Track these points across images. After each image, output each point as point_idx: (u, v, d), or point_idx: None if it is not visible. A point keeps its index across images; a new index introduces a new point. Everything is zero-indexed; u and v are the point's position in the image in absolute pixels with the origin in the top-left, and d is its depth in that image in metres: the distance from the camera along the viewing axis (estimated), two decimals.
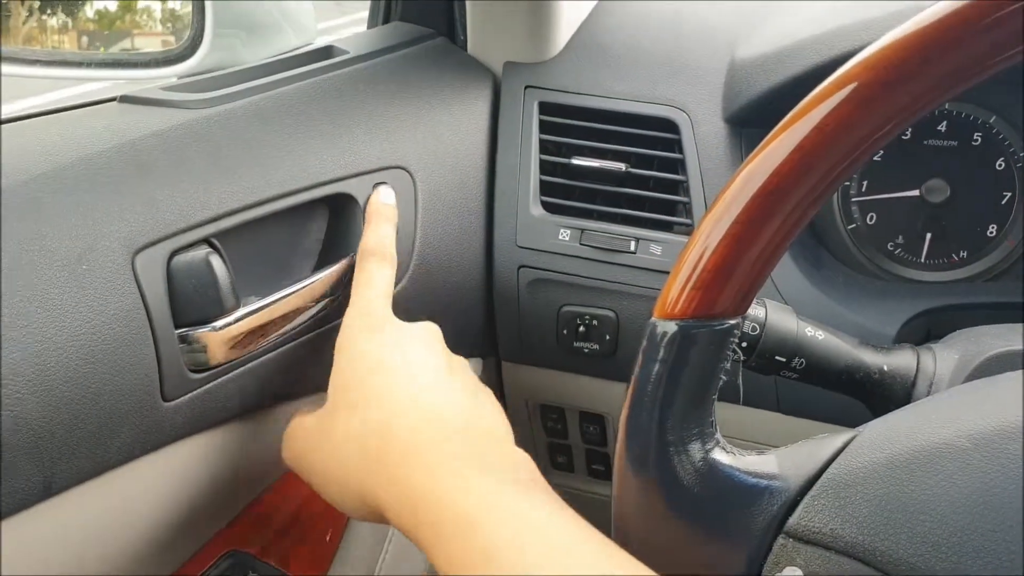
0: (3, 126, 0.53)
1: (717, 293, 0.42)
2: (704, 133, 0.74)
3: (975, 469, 0.39)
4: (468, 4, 0.80)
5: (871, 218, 0.76)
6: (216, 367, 0.53)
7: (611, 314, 0.75)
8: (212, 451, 0.58)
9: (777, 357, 0.53)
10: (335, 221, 0.64)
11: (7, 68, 0.72)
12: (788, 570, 0.41)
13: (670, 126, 0.75)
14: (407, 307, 0.66)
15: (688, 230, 0.74)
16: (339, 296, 0.61)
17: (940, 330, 0.59)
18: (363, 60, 0.72)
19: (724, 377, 0.44)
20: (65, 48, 0.79)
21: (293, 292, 0.57)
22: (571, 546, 0.41)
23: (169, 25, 0.84)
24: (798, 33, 0.71)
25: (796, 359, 0.53)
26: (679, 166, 0.74)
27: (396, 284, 0.65)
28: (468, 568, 0.42)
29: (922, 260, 0.76)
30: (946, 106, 0.74)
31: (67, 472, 0.46)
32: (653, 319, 0.44)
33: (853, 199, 0.76)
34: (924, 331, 0.71)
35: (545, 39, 0.79)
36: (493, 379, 0.84)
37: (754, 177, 0.41)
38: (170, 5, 0.80)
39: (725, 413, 0.46)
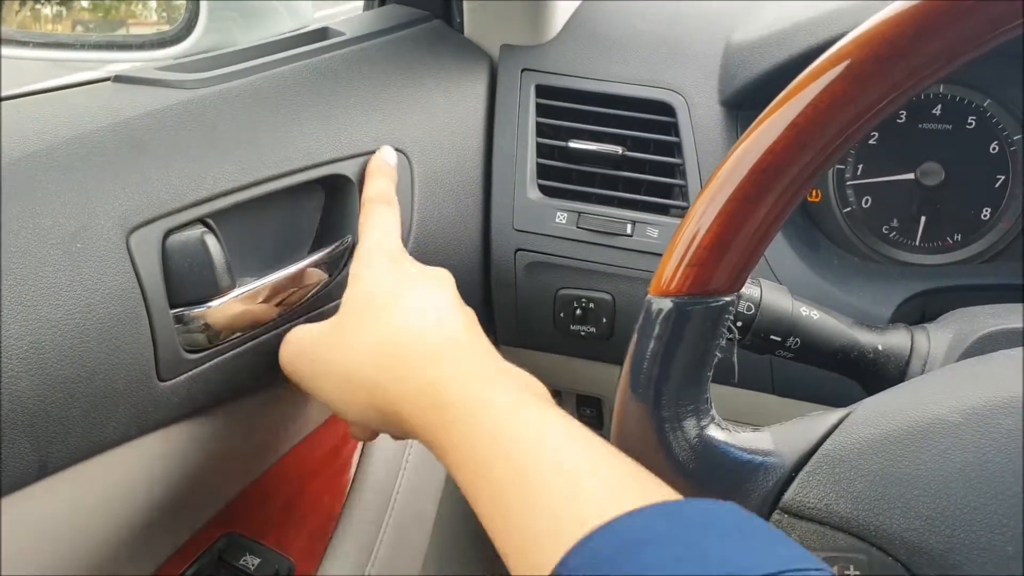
0: None
1: (712, 270, 0.42)
2: (700, 116, 0.74)
3: (968, 444, 0.39)
4: None
5: (866, 201, 0.76)
6: (212, 347, 0.53)
7: (608, 297, 0.75)
8: (208, 433, 0.58)
9: (772, 336, 0.53)
10: (331, 202, 0.64)
11: (1, 50, 0.71)
12: None
13: (666, 109, 0.75)
14: None
15: (684, 213, 0.73)
16: (335, 277, 0.61)
17: (935, 312, 0.59)
18: (359, 42, 0.72)
19: (719, 355, 0.44)
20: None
21: (289, 273, 0.57)
22: (591, 445, 0.41)
23: (164, 15, 0.84)
24: (794, 16, 0.71)
25: (791, 338, 0.53)
26: (675, 149, 0.74)
27: None
28: (492, 463, 0.42)
29: (917, 243, 0.76)
30: (940, 89, 0.74)
31: (62, 451, 0.46)
32: (649, 296, 0.44)
33: (848, 182, 0.76)
34: (919, 313, 0.71)
35: (542, 22, 0.79)
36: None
37: (748, 154, 0.41)
38: None
39: (719, 394, 0.46)
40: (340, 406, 0.52)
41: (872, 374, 0.54)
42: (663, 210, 0.74)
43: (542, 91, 0.78)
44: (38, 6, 0.89)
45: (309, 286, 0.59)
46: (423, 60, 0.75)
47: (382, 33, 0.75)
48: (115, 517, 0.53)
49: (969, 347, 0.52)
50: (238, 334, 0.55)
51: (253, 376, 0.58)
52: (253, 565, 0.59)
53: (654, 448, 0.44)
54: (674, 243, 0.43)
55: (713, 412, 0.45)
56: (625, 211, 0.74)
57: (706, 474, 0.43)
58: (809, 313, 0.54)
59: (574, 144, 0.76)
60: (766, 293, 0.53)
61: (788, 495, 0.42)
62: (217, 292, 0.52)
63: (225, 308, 0.53)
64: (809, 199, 0.77)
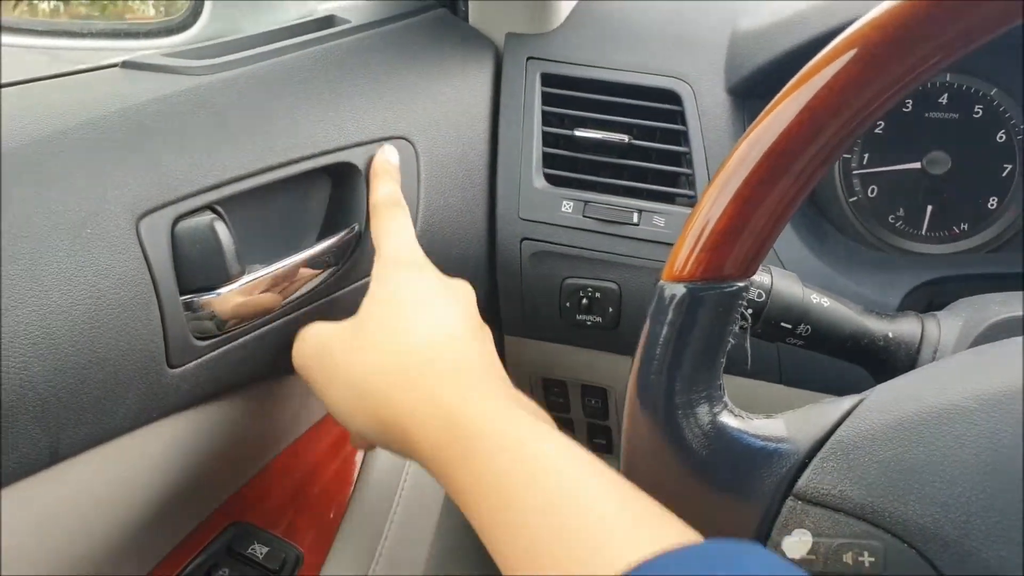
0: (6, 89, 0.53)
1: (725, 255, 0.42)
2: (707, 104, 0.74)
3: (982, 430, 0.39)
4: None
5: (872, 191, 0.76)
6: (221, 334, 0.53)
7: (614, 286, 0.75)
8: (218, 420, 0.58)
9: (783, 324, 0.53)
10: (337, 191, 0.63)
11: (5, 38, 0.71)
12: (797, 532, 0.42)
13: (673, 97, 0.75)
14: None
15: (691, 202, 0.74)
16: (343, 265, 0.60)
17: (942, 301, 0.59)
18: (365, 30, 0.71)
19: (732, 341, 0.44)
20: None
21: (297, 260, 0.57)
22: (614, 481, 0.41)
23: (162, 9, 0.83)
24: (800, 4, 0.71)
25: (801, 326, 0.53)
26: (682, 138, 0.74)
27: None
28: (515, 498, 0.40)
29: (923, 232, 0.76)
30: (947, 78, 0.74)
31: (73, 437, 0.46)
32: (661, 282, 0.44)
33: (854, 172, 0.76)
34: (926, 302, 0.71)
35: (547, 10, 0.78)
36: (496, 353, 0.84)
37: (763, 137, 0.41)
38: None
39: (728, 384, 0.46)
40: (345, 414, 0.51)
41: (882, 362, 0.54)
42: (669, 199, 0.74)
43: (548, 80, 0.77)
44: (35, 2, 0.89)
45: (318, 274, 0.59)
46: (428, 49, 0.74)
47: (388, 21, 0.75)
48: (125, 504, 0.53)
49: (980, 335, 0.52)
50: (247, 321, 0.54)
51: (262, 364, 0.58)
52: (261, 554, 0.59)
53: (667, 435, 0.44)
54: (687, 228, 0.43)
55: (726, 399, 0.44)
56: (631, 200, 0.74)
57: (719, 461, 0.43)
58: (820, 300, 0.53)
59: (580, 133, 0.76)
60: (777, 280, 0.53)
61: (801, 482, 0.42)
62: (227, 279, 0.52)
63: (234, 295, 0.52)
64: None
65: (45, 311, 0.44)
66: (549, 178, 0.76)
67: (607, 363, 0.79)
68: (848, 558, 0.40)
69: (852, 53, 0.39)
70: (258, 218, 0.58)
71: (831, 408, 0.43)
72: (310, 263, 0.58)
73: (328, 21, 0.73)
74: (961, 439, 0.39)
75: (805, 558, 0.41)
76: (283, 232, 0.61)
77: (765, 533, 0.42)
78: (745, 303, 0.44)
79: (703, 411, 0.43)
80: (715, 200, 0.42)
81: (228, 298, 0.52)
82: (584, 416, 0.86)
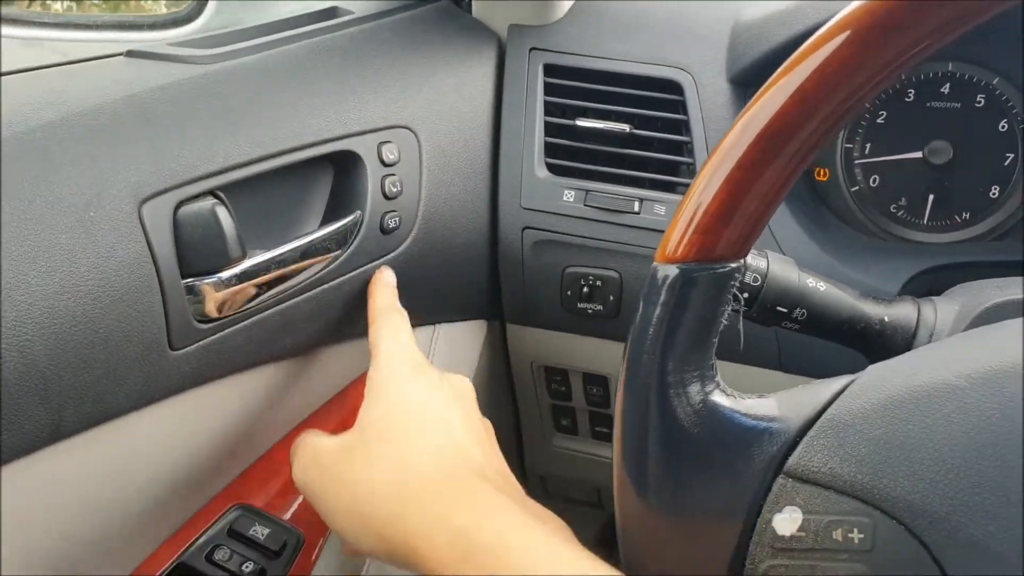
0: (12, 76, 0.54)
1: (718, 236, 0.43)
2: (708, 94, 0.74)
3: (972, 408, 0.39)
4: None
5: (874, 180, 0.76)
6: (222, 318, 0.54)
7: (615, 275, 0.75)
8: (220, 405, 0.59)
9: (778, 308, 0.53)
10: (339, 179, 0.64)
11: (11, 30, 0.72)
12: (787, 509, 0.42)
13: (674, 87, 0.75)
14: (411, 270, 0.67)
15: None
16: (344, 252, 0.61)
17: (942, 288, 0.59)
18: (368, 21, 0.72)
19: (724, 322, 0.45)
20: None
21: (299, 245, 0.57)
22: None
23: (172, 4, 0.84)
24: None
25: (797, 310, 0.53)
26: (683, 127, 0.75)
27: (400, 245, 0.66)
28: None
29: (925, 221, 0.76)
30: (949, 68, 0.74)
31: (75, 416, 0.47)
32: (655, 263, 0.44)
33: (856, 161, 0.76)
34: (927, 290, 0.71)
35: (550, 2, 0.79)
36: (498, 342, 0.85)
37: (755, 120, 0.41)
38: None
39: (726, 370, 0.46)
40: (348, 532, 0.50)
41: (878, 345, 0.54)
42: (670, 188, 0.74)
43: (550, 70, 0.78)
44: (48, 1, 0.90)
45: (320, 259, 0.59)
46: (431, 39, 0.75)
47: (391, 12, 0.75)
48: (127, 485, 0.54)
49: (975, 318, 0.52)
50: (248, 305, 0.55)
51: (263, 348, 0.58)
52: (263, 535, 0.59)
53: (659, 413, 0.44)
54: (680, 210, 0.43)
55: (718, 379, 0.45)
56: (632, 189, 0.75)
57: (710, 439, 0.44)
58: (816, 284, 0.54)
59: (582, 122, 0.76)
60: (773, 265, 0.53)
61: (792, 460, 0.42)
62: (228, 263, 0.53)
63: (236, 278, 0.53)
64: (817, 178, 0.77)
65: (48, 292, 0.45)
66: (551, 167, 0.76)
67: (608, 351, 0.79)
68: (838, 535, 0.40)
69: (843, 36, 0.39)
70: (261, 205, 0.59)
71: (823, 388, 0.43)
72: (312, 248, 0.59)
73: (331, 12, 0.74)
74: (950, 417, 0.40)
75: (795, 535, 0.41)
76: (285, 219, 0.61)
77: (756, 510, 0.42)
78: (738, 284, 0.45)
79: (695, 390, 0.44)
80: (708, 182, 0.42)
81: (229, 282, 0.53)
82: (586, 404, 0.86)
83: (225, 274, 0.53)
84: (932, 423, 0.40)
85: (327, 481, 0.51)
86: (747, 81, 0.73)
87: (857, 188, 0.76)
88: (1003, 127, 0.74)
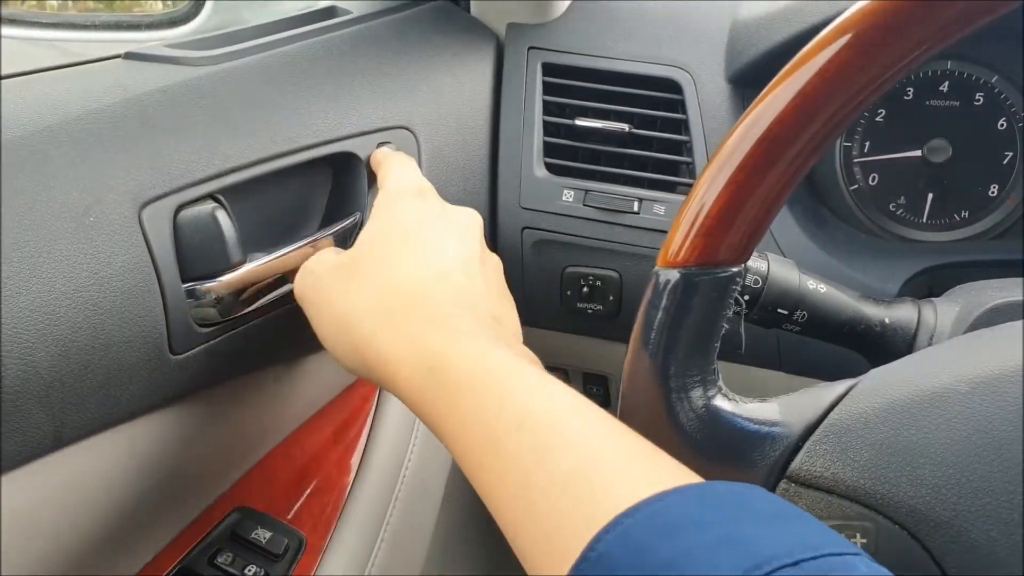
0: (10, 80, 0.53)
1: (719, 241, 0.43)
2: (707, 93, 0.74)
3: (974, 412, 0.39)
4: None
5: (873, 179, 0.76)
6: (223, 322, 0.54)
7: (615, 275, 0.75)
8: (220, 407, 0.58)
9: (779, 310, 0.53)
10: (339, 180, 0.64)
11: (9, 30, 0.72)
12: None
13: (673, 86, 0.75)
14: None
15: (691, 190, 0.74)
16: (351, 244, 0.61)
17: (942, 288, 0.59)
18: (366, 20, 0.72)
19: (726, 326, 0.45)
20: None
21: (299, 247, 0.57)
22: (606, 421, 0.39)
23: (169, 4, 0.84)
24: None
25: (798, 312, 0.53)
26: (682, 126, 0.75)
27: None
28: (503, 437, 0.39)
29: (924, 220, 0.76)
30: (948, 66, 0.74)
31: (77, 422, 0.47)
32: (656, 268, 0.44)
33: (855, 160, 0.76)
34: (926, 289, 0.71)
35: (548, 0, 0.79)
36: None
37: (756, 124, 0.41)
38: None
39: (727, 371, 0.46)
40: (333, 349, 0.51)
41: (879, 347, 0.54)
42: (670, 187, 0.74)
43: (549, 69, 0.78)
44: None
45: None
46: (430, 39, 0.75)
47: (389, 12, 0.75)
48: (129, 490, 0.54)
49: (976, 320, 0.52)
50: (249, 308, 0.55)
51: (264, 351, 0.58)
52: (265, 538, 0.60)
53: (661, 418, 0.44)
54: (682, 214, 0.43)
55: (720, 383, 0.45)
56: (632, 189, 0.75)
57: (713, 444, 0.44)
58: (816, 287, 0.54)
59: (581, 122, 0.76)
60: (773, 267, 0.53)
61: (795, 464, 0.42)
62: (228, 267, 0.53)
63: (236, 282, 0.53)
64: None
65: (49, 298, 0.45)
66: (550, 167, 0.76)
67: (608, 351, 0.79)
68: None
69: (844, 40, 0.39)
70: (260, 207, 0.59)
71: (825, 392, 0.44)
72: (312, 251, 0.58)
73: (330, 12, 0.74)
74: (952, 422, 0.40)
75: None
76: (285, 221, 0.61)
77: None
78: (739, 288, 0.45)
79: (697, 395, 0.44)
80: (709, 186, 0.43)
81: (229, 285, 0.53)
82: None
83: (226, 278, 0.53)
84: (934, 428, 0.40)
85: (320, 296, 0.52)
86: (746, 80, 0.73)
87: (856, 187, 0.76)
88: (1002, 125, 0.74)
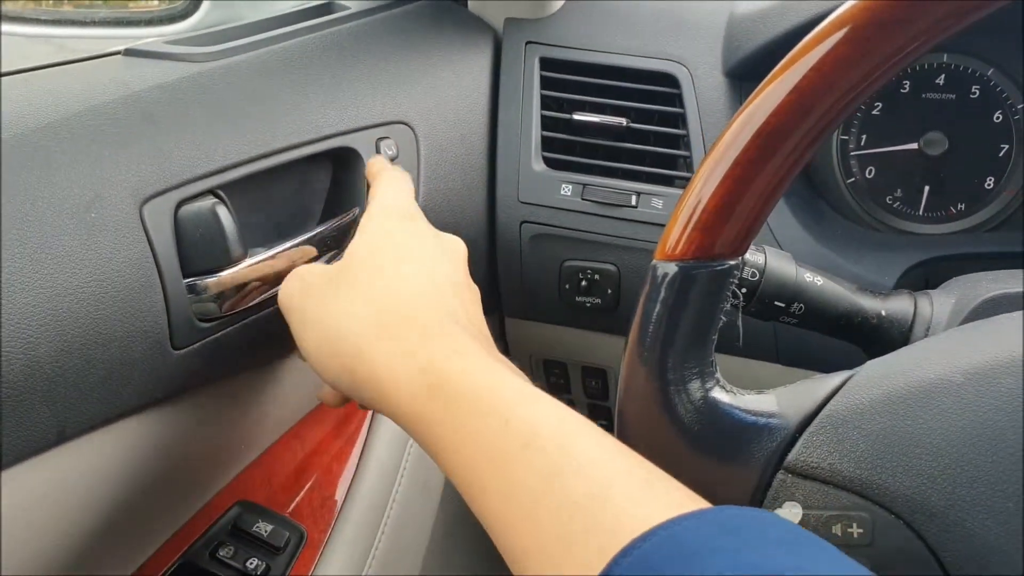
0: (10, 77, 0.54)
1: (717, 234, 0.43)
2: (704, 87, 0.74)
3: (969, 403, 0.40)
4: None
5: (870, 172, 0.77)
6: (224, 317, 0.54)
7: (613, 268, 0.75)
8: (222, 402, 0.59)
9: (776, 302, 0.54)
10: (338, 175, 0.64)
11: (8, 27, 0.72)
12: (787, 505, 0.43)
13: (670, 80, 0.75)
14: None
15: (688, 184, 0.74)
16: (344, 248, 0.61)
17: (938, 280, 0.59)
18: (364, 16, 0.72)
19: (724, 319, 0.45)
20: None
21: (299, 243, 0.58)
22: (611, 443, 0.39)
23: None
24: None
25: (795, 304, 0.54)
26: (680, 120, 0.75)
27: None
28: (510, 459, 0.39)
29: (921, 213, 0.76)
30: (944, 59, 0.74)
31: (80, 418, 0.47)
32: (654, 261, 0.45)
33: (852, 153, 0.77)
34: (923, 281, 0.72)
35: None
36: (496, 336, 0.85)
37: (753, 118, 0.42)
38: None
39: (725, 364, 0.47)
40: (316, 362, 0.49)
41: (875, 340, 0.54)
42: (667, 181, 0.75)
43: (546, 64, 0.78)
44: None
45: (318, 256, 0.59)
46: (428, 34, 0.75)
47: (387, 7, 0.75)
48: (131, 484, 0.54)
49: (972, 311, 0.52)
50: (250, 303, 0.55)
51: (265, 346, 0.59)
52: (266, 532, 0.60)
53: (659, 410, 0.44)
54: (679, 208, 0.44)
55: (718, 375, 0.45)
56: (629, 182, 0.75)
57: (711, 435, 0.44)
58: (813, 279, 0.54)
59: (578, 116, 0.76)
60: (770, 260, 0.54)
61: (792, 455, 0.43)
62: (229, 262, 0.53)
63: (236, 277, 0.53)
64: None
65: (51, 293, 0.45)
66: (548, 162, 0.77)
67: (606, 344, 0.80)
68: (837, 529, 0.41)
69: (840, 33, 0.40)
70: (260, 202, 0.59)
71: (821, 383, 0.44)
72: (312, 246, 0.59)
73: (328, 8, 0.74)
74: (948, 413, 0.40)
75: None
76: (285, 216, 0.62)
77: (756, 506, 0.43)
78: (737, 281, 0.45)
79: (695, 387, 0.44)
80: (706, 180, 0.43)
81: (230, 280, 0.53)
82: (585, 397, 0.87)
83: (226, 273, 0.53)
84: (930, 418, 0.40)
85: (306, 308, 0.50)
86: (743, 74, 0.74)
87: (853, 179, 0.77)
88: (998, 118, 0.74)
